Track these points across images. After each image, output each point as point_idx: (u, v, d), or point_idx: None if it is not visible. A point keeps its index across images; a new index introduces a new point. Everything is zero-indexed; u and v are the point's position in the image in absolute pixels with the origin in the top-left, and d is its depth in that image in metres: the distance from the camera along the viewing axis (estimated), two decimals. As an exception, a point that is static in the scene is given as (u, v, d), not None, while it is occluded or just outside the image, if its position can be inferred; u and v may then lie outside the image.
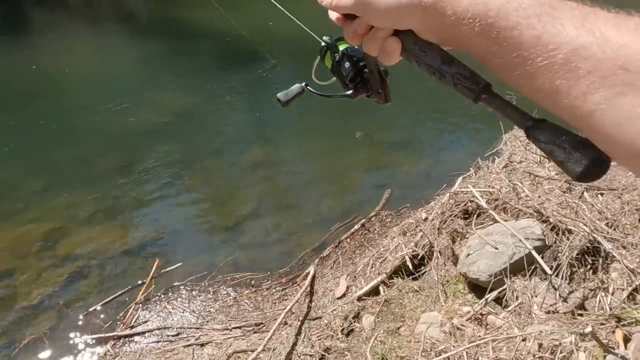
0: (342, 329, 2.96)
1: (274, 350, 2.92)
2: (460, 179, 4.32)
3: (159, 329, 3.25)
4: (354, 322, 2.97)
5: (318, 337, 2.99)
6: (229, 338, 3.09)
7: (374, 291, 3.23)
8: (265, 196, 5.17)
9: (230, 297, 3.52)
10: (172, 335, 3.19)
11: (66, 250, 4.31)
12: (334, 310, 3.17)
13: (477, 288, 2.82)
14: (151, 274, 3.73)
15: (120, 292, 3.62)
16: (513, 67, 0.45)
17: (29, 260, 4.22)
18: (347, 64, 0.69)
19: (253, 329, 3.16)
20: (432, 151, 5.90)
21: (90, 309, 3.50)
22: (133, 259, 4.12)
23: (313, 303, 3.33)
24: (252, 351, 2.92)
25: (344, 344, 2.69)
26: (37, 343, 3.27)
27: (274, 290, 3.59)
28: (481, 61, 0.49)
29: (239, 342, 3.05)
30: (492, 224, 3.22)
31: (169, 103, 7.44)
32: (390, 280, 3.18)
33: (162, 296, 3.57)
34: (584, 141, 0.44)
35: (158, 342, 3.15)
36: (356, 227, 4.17)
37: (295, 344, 2.97)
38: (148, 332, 3.23)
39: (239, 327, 3.19)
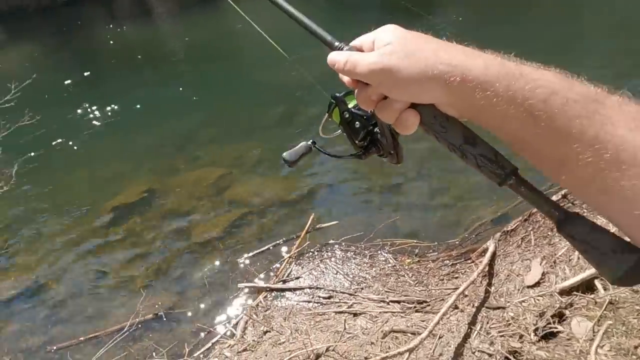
0: (536, 329, 2.21)
1: (440, 337, 2.36)
2: None
3: (310, 287, 2.99)
4: (555, 323, 2.18)
5: (500, 332, 2.31)
6: (386, 312, 2.63)
7: (586, 285, 2.35)
8: (431, 155, 4.48)
9: (389, 265, 3.05)
10: (324, 298, 2.89)
11: (232, 197, 4.43)
12: (524, 301, 2.42)
13: None
14: (306, 228, 3.50)
15: (275, 243, 3.50)
16: (551, 157, 0.43)
17: (202, 202, 4.46)
18: (357, 124, 0.64)
19: (415, 307, 2.64)
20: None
21: (248, 255, 3.46)
22: (290, 211, 3.99)
23: (493, 287, 2.63)
24: (414, 334, 2.41)
25: (543, 352, 1.96)
26: (200, 282, 3.37)
27: (441, 263, 2.98)
28: (507, 141, 0.46)
29: (397, 319, 2.58)
30: None
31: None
32: (617, 275, 2.25)
33: (316, 253, 3.31)
34: (624, 244, 0.41)
35: (309, 302, 2.89)
36: (555, 197, 3.21)
37: (468, 335, 2.35)
38: (299, 289, 3.00)
39: (398, 302, 2.71)
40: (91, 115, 6.85)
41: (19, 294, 3.64)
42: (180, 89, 7.30)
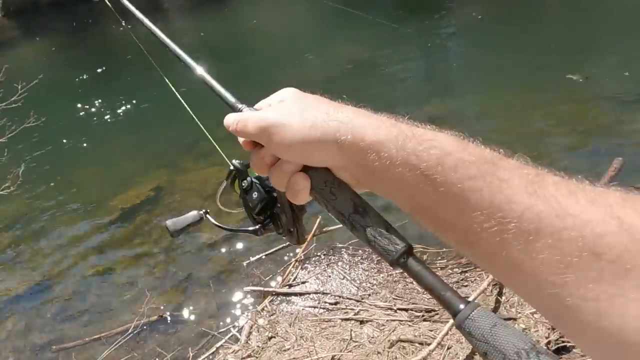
0: (548, 342, 2.15)
1: (448, 348, 2.30)
2: None
3: (316, 293, 2.95)
4: (569, 337, 2.11)
5: (510, 345, 2.24)
6: (393, 320, 2.58)
7: (601, 298, 2.27)
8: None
9: (397, 271, 2.98)
10: (330, 304, 2.84)
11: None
12: (536, 312, 2.35)
13: None
14: (313, 231, 3.45)
15: (281, 246, 3.46)
16: (453, 226, 0.39)
17: (209, 202, 4.44)
18: (254, 194, 0.58)
19: (423, 316, 2.58)
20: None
21: (254, 258, 3.42)
22: (297, 213, 3.95)
23: (504, 297, 2.56)
24: (421, 344, 2.35)
25: (556, 370, 1.90)
26: (205, 283, 3.34)
27: (450, 271, 2.92)
28: (408, 210, 0.43)
29: (404, 328, 2.52)
30: None
31: (345, 55, 7.20)
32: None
33: (323, 257, 3.26)
34: (530, 345, 0.35)
35: (315, 307, 2.85)
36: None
37: (477, 346, 2.29)
38: (306, 294, 2.96)
39: (406, 310, 2.65)
40: (101, 113, 6.88)
41: (25, 292, 3.66)
42: (191, 86, 7.30)
